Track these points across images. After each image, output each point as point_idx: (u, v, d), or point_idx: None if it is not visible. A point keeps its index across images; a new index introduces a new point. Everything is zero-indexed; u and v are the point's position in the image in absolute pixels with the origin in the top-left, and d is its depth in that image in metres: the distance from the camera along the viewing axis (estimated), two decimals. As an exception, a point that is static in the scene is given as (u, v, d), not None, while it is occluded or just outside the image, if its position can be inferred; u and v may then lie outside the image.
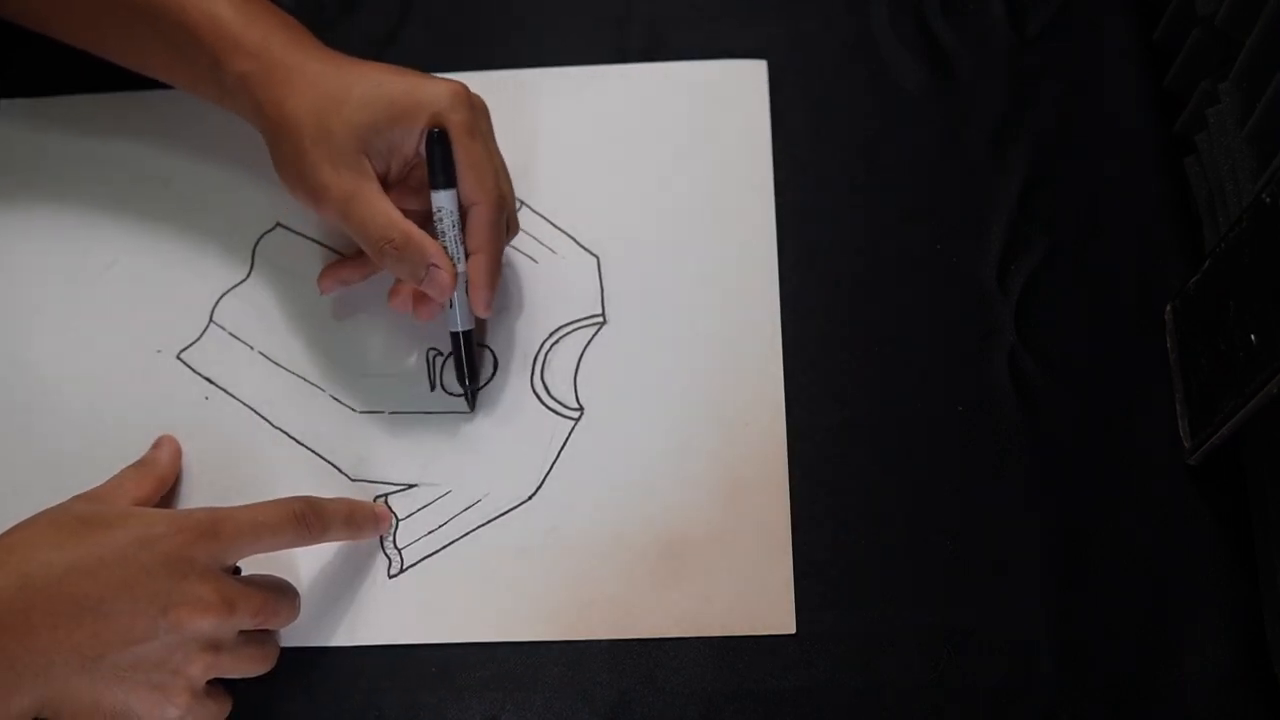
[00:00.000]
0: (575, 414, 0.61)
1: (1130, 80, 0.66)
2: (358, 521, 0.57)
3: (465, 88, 0.58)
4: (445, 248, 0.58)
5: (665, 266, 0.64)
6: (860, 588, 0.57)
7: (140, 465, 0.59)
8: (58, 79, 0.69)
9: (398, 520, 0.59)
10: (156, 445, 0.60)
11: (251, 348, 0.63)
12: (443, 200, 0.58)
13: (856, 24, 0.69)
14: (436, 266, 0.57)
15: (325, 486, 0.60)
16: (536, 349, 0.63)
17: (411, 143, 0.58)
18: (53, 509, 0.52)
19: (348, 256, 0.64)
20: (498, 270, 0.59)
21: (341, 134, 0.56)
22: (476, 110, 0.58)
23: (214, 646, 0.51)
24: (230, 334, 0.63)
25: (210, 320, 0.64)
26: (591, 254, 0.65)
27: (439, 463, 0.60)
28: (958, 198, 0.65)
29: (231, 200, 0.66)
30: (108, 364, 0.63)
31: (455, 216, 0.58)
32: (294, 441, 0.61)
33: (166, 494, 0.59)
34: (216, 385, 0.62)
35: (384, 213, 0.56)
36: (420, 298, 0.60)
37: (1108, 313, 0.62)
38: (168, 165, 0.67)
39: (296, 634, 0.56)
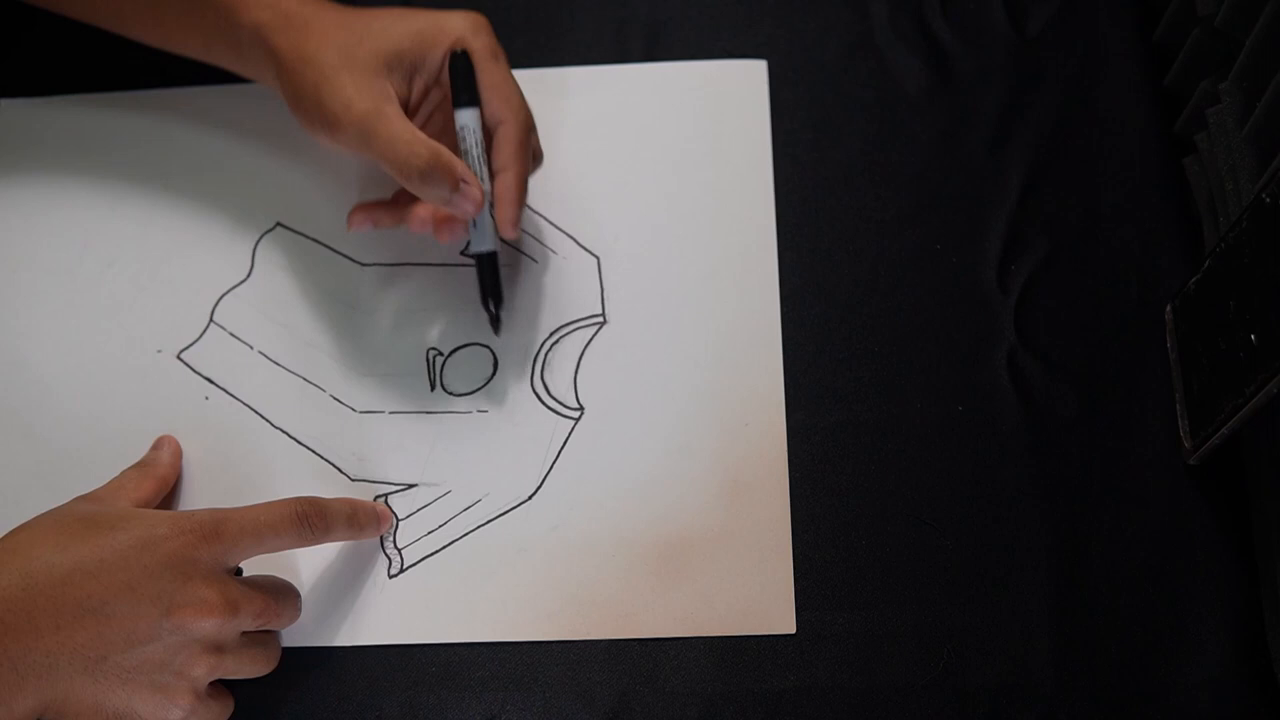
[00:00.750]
0: (575, 414, 0.61)
1: (1130, 80, 0.66)
2: (360, 521, 0.57)
3: (486, 19, 0.59)
4: (469, 166, 0.58)
5: (665, 266, 0.64)
6: (860, 588, 0.57)
7: (141, 466, 0.59)
8: (58, 79, 0.69)
9: (398, 520, 0.59)
10: (157, 445, 0.60)
11: (251, 348, 0.63)
12: (466, 118, 0.58)
13: (856, 24, 0.69)
14: (466, 182, 0.57)
15: (325, 486, 0.60)
16: (537, 349, 0.63)
17: (434, 67, 0.58)
18: (55, 510, 0.52)
19: (382, 200, 0.63)
20: (524, 189, 0.59)
21: (365, 58, 0.56)
22: (496, 40, 0.59)
23: (217, 648, 0.51)
24: (230, 334, 0.63)
25: (210, 320, 0.64)
26: (592, 254, 0.65)
27: (439, 463, 0.60)
28: (958, 198, 0.65)
29: (232, 200, 0.66)
30: (108, 364, 0.63)
31: (479, 135, 0.58)
32: (294, 441, 0.61)
33: (167, 494, 0.59)
34: (217, 385, 0.62)
35: (409, 130, 0.56)
36: (443, 219, 0.59)
37: (1108, 313, 0.62)
38: (168, 165, 0.67)
39: (298, 634, 0.56)
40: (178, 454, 0.60)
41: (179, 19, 0.61)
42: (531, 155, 0.60)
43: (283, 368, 0.63)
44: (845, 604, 0.57)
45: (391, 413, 0.62)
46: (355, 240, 0.65)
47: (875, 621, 0.56)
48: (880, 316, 0.62)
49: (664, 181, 0.66)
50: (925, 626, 0.56)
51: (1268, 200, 0.49)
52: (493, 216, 0.59)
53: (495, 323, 0.61)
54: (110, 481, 0.57)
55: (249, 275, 0.65)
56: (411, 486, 0.60)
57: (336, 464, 0.61)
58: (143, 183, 0.67)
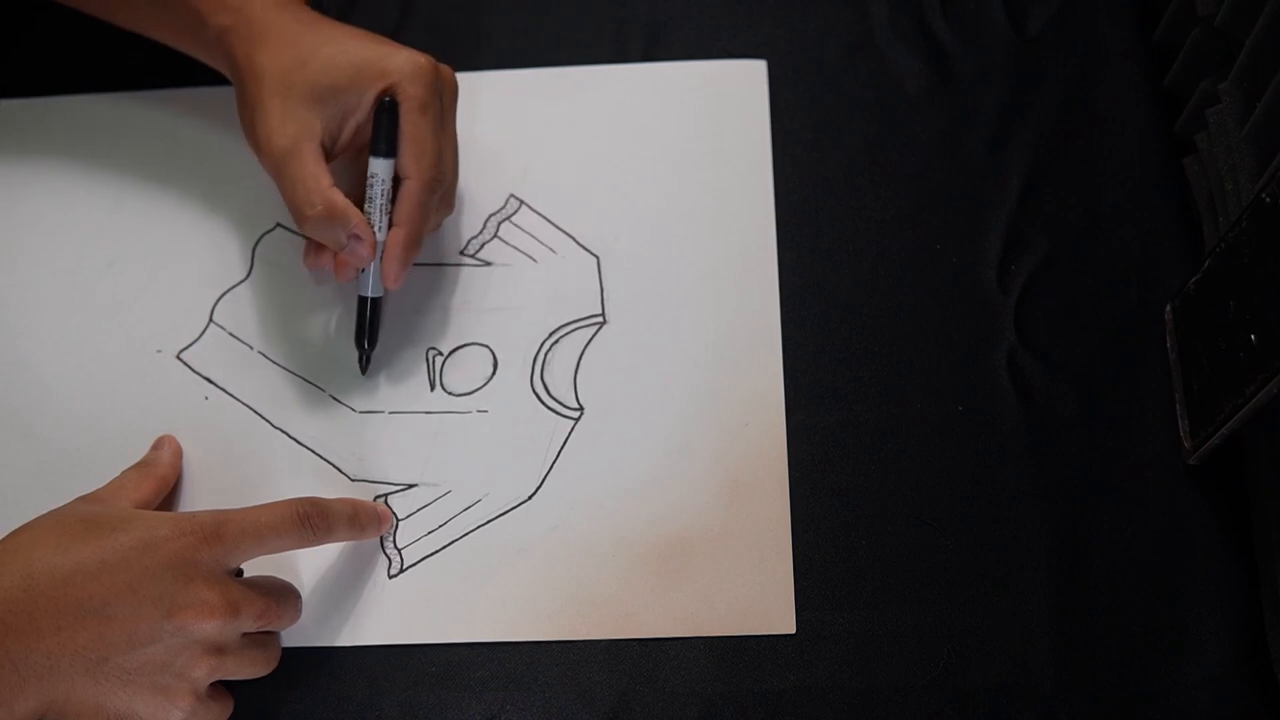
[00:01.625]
0: (575, 414, 0.61)
1: (1130, 80, 0.66)
2: (361, 521, 0.56)
3: (433, 62, 0.59)
4: (371, 215, 0.59)
5: (665, 266, 0.64)
6: (860, 588, 0.57)
7: (141, 466, 0.59)
8: (58, 79, 0.69)
9: (398, 520, 0.59)
10: (157, 446, 0.60)
11: (251, 348, 0.63)
12: (378, 167, 0.59)
13: (856, 24, 0.69)
14: (357, 238, 0.58)
15: (325, 487, 0.60)
16: (536, 349, 0.63)
17: (366, 107, 0.59)
18: (55, 511, 0.52)
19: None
20: (415, 247, 0.60)
21: (300, 89, 0.57)
22: (439, 86, 0.59)
23: (218, 649, 0.51)
24: (230, 334, 0.63)
25: (210, 320, 0.64)
26: (592, 254, 0.65)
27: (439, 463, 0.60)
28: (958, 198, 0.65)
29: (231, 200, 0.66)
30: (108, 364, 0.63)
31: (387, 186, 0.59)
32: (294, 442, 0.61)
33: (168, 494, 0.59)
34: (216, 385, 0.62)
35: (314, 176, 0.57)
36: (341, 260, 0.61)
37: (1108, 313, 0.62)
38: (167, 165, 0.67)
39: (298, 635, 0.56)
40: (178, 454, 0.60)
41: (152, 11, 0.62)
42: (438, 205, 0.61)
43: (282, 368, 0.63)
44: (845, 604, 0.57)
45: (391, 413, 0.62)
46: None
47: (875, 621, 0.56)
48: (880, 316, 0.62)
49: (664, 181, 0.66)
50: (925, 626, 0.56)
51: (1268, 200, 0.49)
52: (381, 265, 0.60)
53: (364, 363, 0.62)
54: (110, 482, 0.57)
55: (249, 275, 0.65)
56: (411, 487, 0.60)
57: (336, 464, 0.61)
58: (142, 183, 0.67)
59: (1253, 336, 0.50)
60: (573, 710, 0.55)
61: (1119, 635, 0.56)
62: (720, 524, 0.58)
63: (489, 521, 0.59)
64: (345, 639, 0.57)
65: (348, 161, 0.61)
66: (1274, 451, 0.54)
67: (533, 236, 0.65)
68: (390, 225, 0.59)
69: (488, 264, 0.64)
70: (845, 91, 0.67)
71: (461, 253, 0.65)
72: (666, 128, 0.67)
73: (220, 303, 0.64)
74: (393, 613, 0.57)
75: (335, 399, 0.62)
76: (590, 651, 0.56)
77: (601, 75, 0.69)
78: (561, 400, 0.61)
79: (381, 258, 0.59)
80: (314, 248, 0.62)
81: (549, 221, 0.65)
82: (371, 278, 0.60)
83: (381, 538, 0.59)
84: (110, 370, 0.63)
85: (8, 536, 0.51)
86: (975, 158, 0.65)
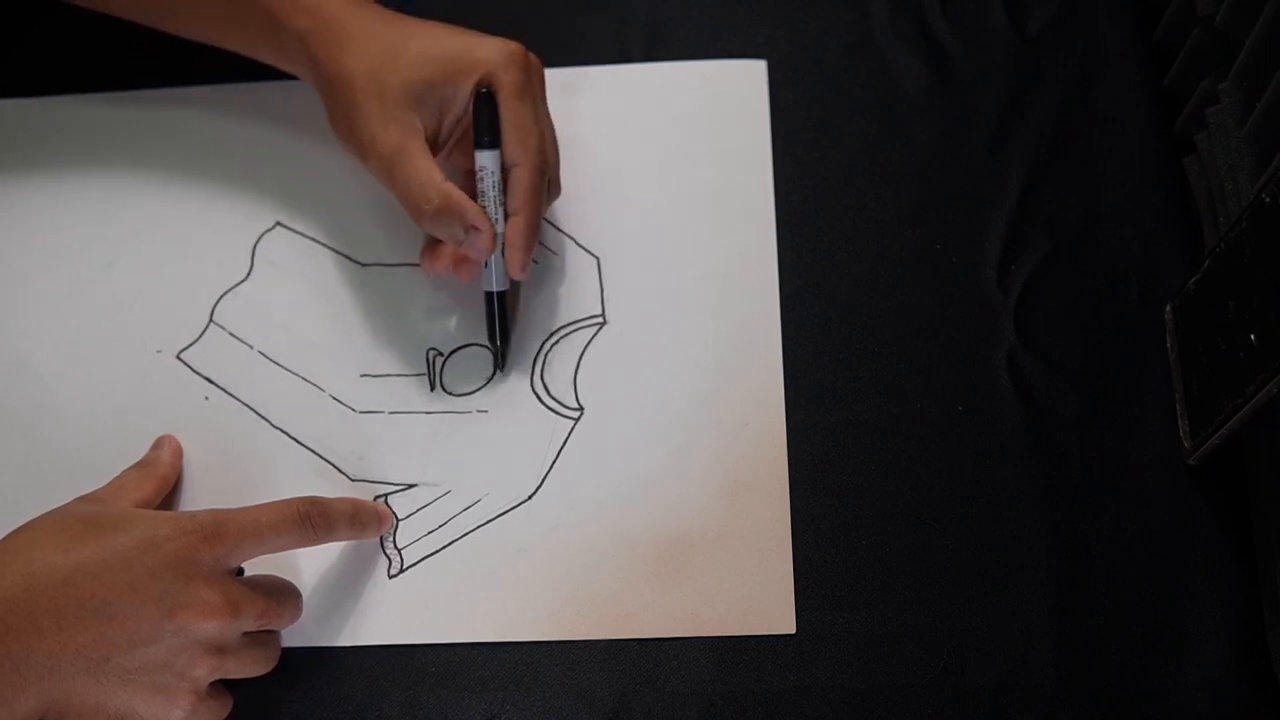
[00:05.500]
0: (575, 414, 0.61)
1: (1130, 80, 0.66)
2: (362, 521, 0.56)
3: (522, 48, 0.59)
4: (485, 208, 0.58)
5: (666, 267, 0.64)
6: (860, 588, 0.57)
7: (141, 466, 0.59)
8: (58, 79, 0.69)
9: (398, 520, 0.59)
10: (157, 445, 0.60)
11: (251, 348, 0.63)
12: (485, 160, 0.58)
13: (856, 24, 0.69)
14: (476, 229, 0.57)
15: (325, 486, 0.60)
16: (536, 349, 0.63)
17: (463, 100, 0.58)
18: (55, 511, 0.52)
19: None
20: (535, 233, 0.59)
21: (394, 88, 0.56)
22: (529, 71, 0.59)
23: (218, 649, 0.51)
24: (230, 334, 0.63)
25: (210, 320, 0.64)
26: (591, 254, 0.65)
27: (439, 463, 0.60)
28: (958, 198, 0.65)
29: (231, 200, 0.66)
30: (108, 364, 0.63)
31: (497, 177, 0.58)
32: (294, 442, 0.61)
33: (168, 494, 0.59)
34: (217, 385, 0.62)
35: (426, 172, 0.57)
36: (460, 259, 0.60)
37: (1108, 313, 0.62)
38: (166, 165, 0.67)
39: (298, 635, 0.56)
40: (178, 453, 0.60)
41: (225, 19, 0.61)
42: (547, 191, 0.60)
43: (283, 368, 0.63)
44: (845, 604, 0.57)
45: (391, 413, 0.62)
46: (355, 240, 0.65)
47: (875, 621, 0.56)
48: (880, 316, 0.62)
49: (664, 182, 0.66)
50: (925, 626, 0.56)
51: (1268, 200, 0.49)
52: (504, 256, 0.59)
53: (500, 360, 0.62)
54: (110, 482, 0.57)
55: (249, 275, 0.65)
56: (411, 486, 0.60)
57: (336, 464, 0.61)
58: (142, 183, 0.67)
59: (1253, 336, 0.50)
60: (573, 710, 0.55)
61: (1119, 635, 0.56)
62: (720, 524, 0.58)
63: (489, 521, 0.59)
64: (345, 639, 0.57)
65: (448, 160, 0.61)
66: (1274, 451, 0.54)
67: None
68: (506, 216, 0.59)
69: (487, 265, 0.64)
70: (845, 91, 0.67)
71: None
72: (666, 128, 0.67)
73: (221, 302, 0.64)
74: (393, 613, 0.57)
75: (335, 399, 0.62)
76: (590, 651, 0.56)
77: (600, 76, 0.69)
78: (561, 400, 0.61)
79: (503, 250, 0.59)
80: (430, 250, 0.61)
81: (548, 222, 0.65)
82: (494, 272, 0.60)
83: (381, 538, 0.59)
84: (110, 370, 0.63)
85: (8, 536, 0.51)
86: (975, 158, 0.65)
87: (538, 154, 0.58)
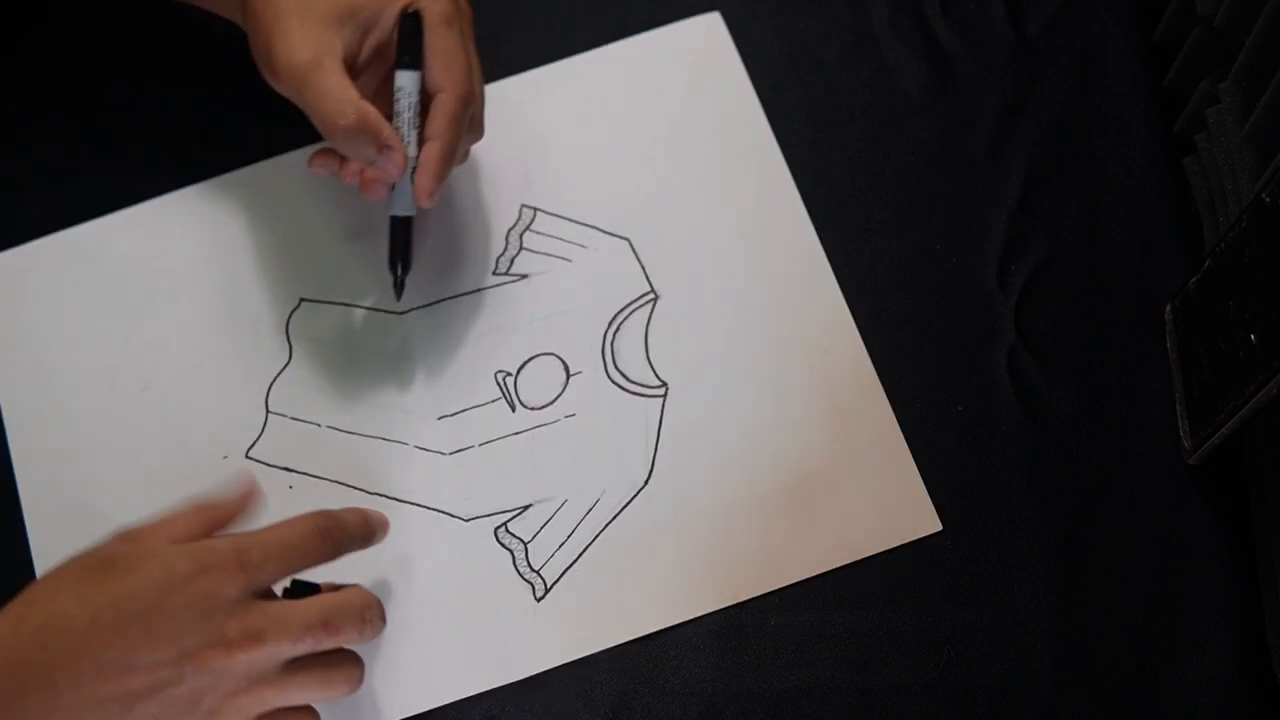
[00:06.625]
0: (660, 391, 0.61)
1: (1130, 80, 0.66)
2: (372, 526, 0.55)
3: None
4: (399, 129, 0.57)
5: (695, 228, 0.64)
6: (860, 587, 0.57)
7: (198, 505, 0.54)
8: (57, 74, 0.69)
9: (525, 544, 0.58)
10: (230, 486, 0.54)
11: (319, 425, 0.61)
12: (404, 80, 0.57)
13: (856, 24, 0.69)
14: (389, 149, 0.56)
15: (444, 535, 0.59)
16: (601, 342, 0.62)
17: (388, 23, 0.57)
18: (85, 551, 0.50)
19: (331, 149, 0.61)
20: (449, 161, 0.58)
21: (319, 8, 0.55)
22: (459, 6, 0.58)
23: (254, 680, 0.48)
24: (293, 419, 0.62)
25: (267, 411, 0.62)
26: (621, 237, 0.64)
27: (545, 478, 0.60)
28: (958, 198, 0.64)
29: (246, 291, 0.64)
30: (177, 484, 0.57)
31: (414, 99, 0.58)
32: (397, 502, 0.60)
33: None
34: (296, 471, 0.61)
35: (342, 88, 0.55)
36: (368, 177, 0.59)
37: (1108, 313, 0.62)
38: (170, 278, 0.65)
39: (454, 688, 0.56)
40: (248, 496, 0.54)
41: None
42: (469, 127, 0.59)
43: (357, 434, 0.61)
44: (845, 604, 0.57)
45: (482, 444, 0.61)
46: (384, 292, 0.62)
47: (875, 621, 0.56)
48: (880, 316, 0.62)
49: (663, 151, 0.66)
50: (925, 626, 0.56)
51: (1268, 200, 0.49)
52: (413, 181, 0.58)
53: (398, 287, 0.60)
54: (159, 514, 0.53)
55: (290, 357, 0.63)
56: (527, 508, 0.59)
57: (446, 510, 0.59)
58: (151, 300, 0.64)
59: (1253, 336, 0.50)
60: (573, 710, 0.55)
61: (1119, 635, 0.56)
62: (834, 451, 0.59)
63: (614, 519, 0.59)
64: (512, 673, 0.56)
65: (369, 84, 0.59)
66: (1274, 451, 0.54)
67: (558, 238, 0.65)
68: (421, 142, 0.58)
69: (524, 276, 0.64)
70: (845, 91, 0.67)
71: (494, 273, 0.64)
72: (647, 99, 0.67)
73: (272, 391, 0.62)
74: (551, 633, 0.56)
75: (422, 449, 0.61)
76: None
77: (568, 68, 0.68)
78: (643, 382, 0.61)
79: (414, 173, 0.58)
80: (321, 153, 0.60)
81: (568, 219, 0.65)
82: (404, 195, 0.58)
83: (516, 566, 0.58)
84: (181, 489, 0.56)
85: (29, 587, 0.49)
86: (975, 158, 0.65)
87: (465, 82, 0.57)
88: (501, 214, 0.65)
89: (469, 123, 0.59)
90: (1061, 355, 0.61)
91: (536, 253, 0.64)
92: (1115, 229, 0.63)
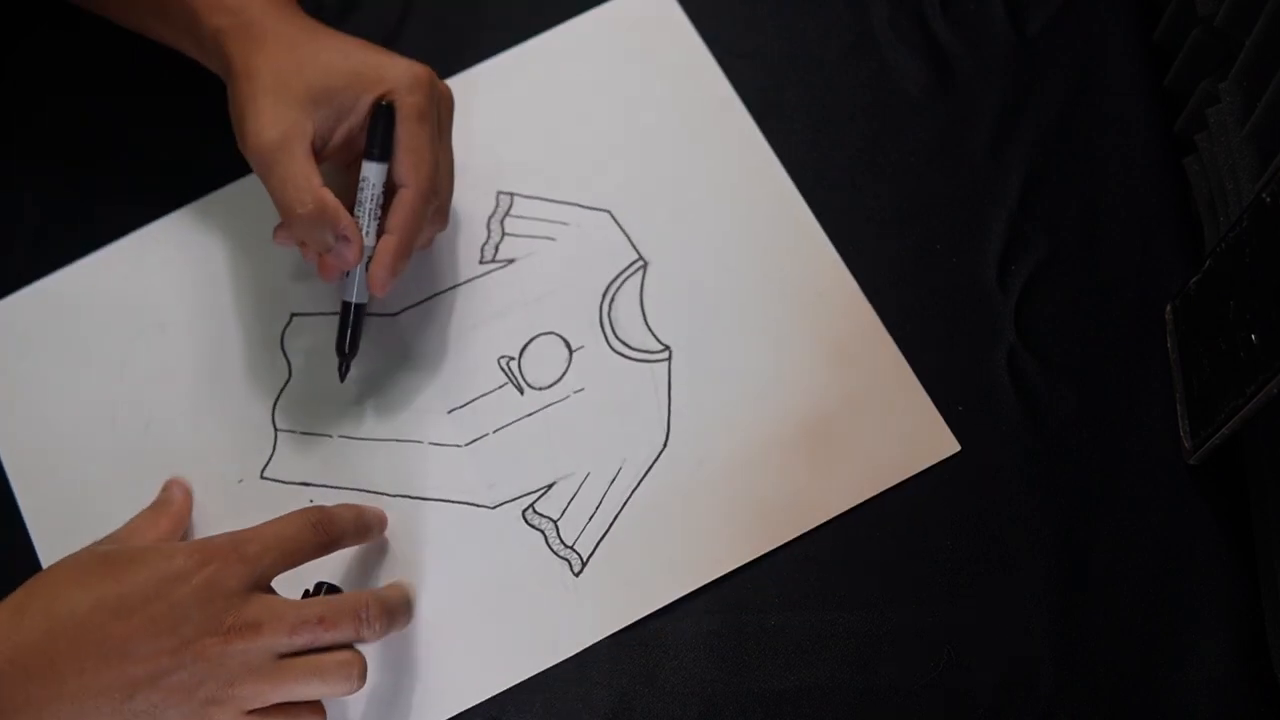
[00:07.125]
0: (664, 354, 0.62)
1: (1130, 80, 0.66)
2: (366, 520, 0.56)
3: (431, 74, 0.58)
4: (359, 219, 0.58)
5: (673, 191, 0.65)
6: (860, 588, 0.57)
7: (154, 507, 0.58)
8: (58, 78, 0.69)
9: (554, 522, 0.59)
10: (166, 488, 0.60)
11: (331, 436, 0.62)
12: (370, 171, 0.58)
13: (856, 24, 0.69)
14: (345, 239, 0.57)
15: (473, 525, 0.59)
16: (598, 314, 0.63)
17: (361, 111, 0.58)
18: (75, 553, 0.52)
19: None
20: (405, 255, 0.58)
21: (296, 88, 0.56)
22: (435, 97, 0.58)
23: (251, 671, 0.49)
24: (302, 434, 0.62)
25: (275, 429, 0.62)
26: (601, 210, 0.65)
27: (565, 454, 0.60)
28: (958, 198, 0.64)
29: (234, 317, 0.64)
30: (200, 513, 0.60)
31: (377, 191, 0.58)
32: (421, 500, 0.60)
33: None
34: (315, 485, 0.61)
35: (304, 175, 0.56)
36: (324, 261, 0.59)
37: (1108, 313, 0.62)
38: (155, 311, 0.65)
39: (504, 675, 0.56)
40: (188, 493, 0.59)
41: (150, 11, 0.61)
42: (431, 220, 0.59)
43: (370, 440, 0.61)
44: (845, 604, 0.57)
45: (496, 431, 0.61)
46: (374, 300, 0.62)
47: (875, 621, 0.56)
48: (880, 316, 0.62)
49: (631, 121, 0.67)
50: (925, 626, 0.56)
51: (1268, 200, 0.49)
52: (368, 271, 0.58)
53: (343, 370, 0.60)
54: (125, 524, 0.57)
55: (290, 374, 0.63)
56: (551, 486, 0.60)
57: (470, 501, 0.60)
58: (143, 339, 0.64)
59: (1253, 336, 0.50)
60: (573, 710, 0.55)
61: (1119, 635, 0.56)
62: (845, 388, 0.60)
63: (639, 484, 0.59)
64: (561, 652, 0.56)
65: (337, 170, 0.60)
66: (1274, 451, 0.54)
67: (539, 219, 0.65)
68: (380, 232, 0.58)
69: (511, 261, 0.64)
70: (845, 91, 0.67)
71: (481, 262, 0.64)
72: (607, 73, 0.68)
73: (277, 409, 0.62)
74: (595, 606, 0.57)
75: (437, 444, 0.61)
76: (590, 651, 0.56)
77: (525, 52, 0.68)
78: (645, 348, 0.62)
79: (369, 263, 0.58)
80: (282, 228, 0.60)
81: (546, 200, 0.65)
82: (356, 283, 0.59)
83: (549, 545, 0.58)
84: (201, 521, 0.60)
85: (31, 580, 0.50)
86: (975, 158, 0.65)
87: (429, 180, 0.57)
88: (479, 203, 0.66)
89: (431, 215, 0.59)
90: (1061, 355, 0.61)
91: (520, 236, 0.65)
92: (1115, 229, 0.63)
